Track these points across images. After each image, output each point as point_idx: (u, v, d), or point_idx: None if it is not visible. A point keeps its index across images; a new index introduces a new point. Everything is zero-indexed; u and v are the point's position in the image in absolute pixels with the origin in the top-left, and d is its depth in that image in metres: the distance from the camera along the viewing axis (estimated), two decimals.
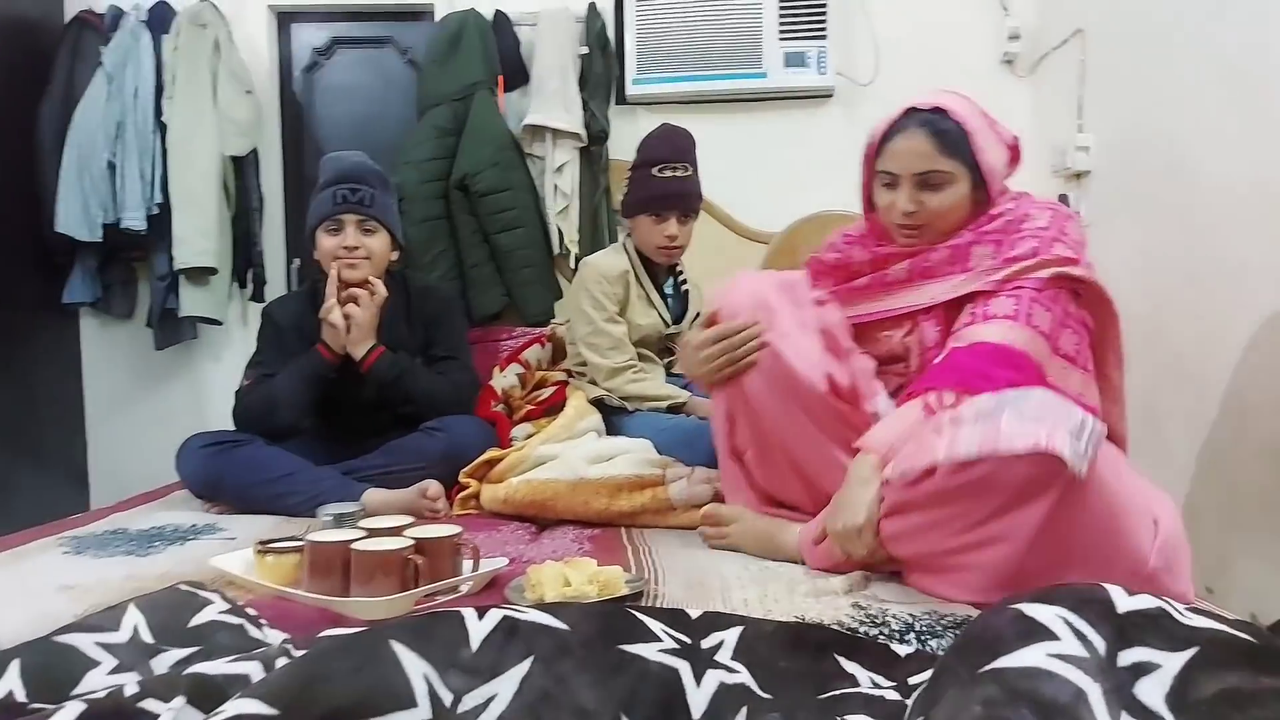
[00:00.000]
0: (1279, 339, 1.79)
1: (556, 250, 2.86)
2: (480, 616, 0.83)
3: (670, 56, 2.87)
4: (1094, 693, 0.63)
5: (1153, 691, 0.66)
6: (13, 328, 2.73)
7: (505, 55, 2.87)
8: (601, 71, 2.87)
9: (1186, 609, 0.73)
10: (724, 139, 2.81)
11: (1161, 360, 2.15)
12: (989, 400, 1.18)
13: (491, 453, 1.92)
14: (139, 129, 2.73)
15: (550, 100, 2.78)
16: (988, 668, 0.67)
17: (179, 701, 0.74)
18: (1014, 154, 1.52)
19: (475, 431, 1.99)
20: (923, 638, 1.05)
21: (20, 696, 0.83)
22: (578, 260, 2.68)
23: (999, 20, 2.90)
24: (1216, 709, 0.65)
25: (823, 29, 2.83)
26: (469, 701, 0.76)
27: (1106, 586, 0.74)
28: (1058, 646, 0.67)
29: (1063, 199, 2.64)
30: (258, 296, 2.94)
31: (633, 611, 0.89)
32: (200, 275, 2.77)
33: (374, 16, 3.11)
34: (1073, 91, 2.62)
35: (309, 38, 3.12)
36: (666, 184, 2.17)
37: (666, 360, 2.34)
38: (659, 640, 0.85)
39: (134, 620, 0.95)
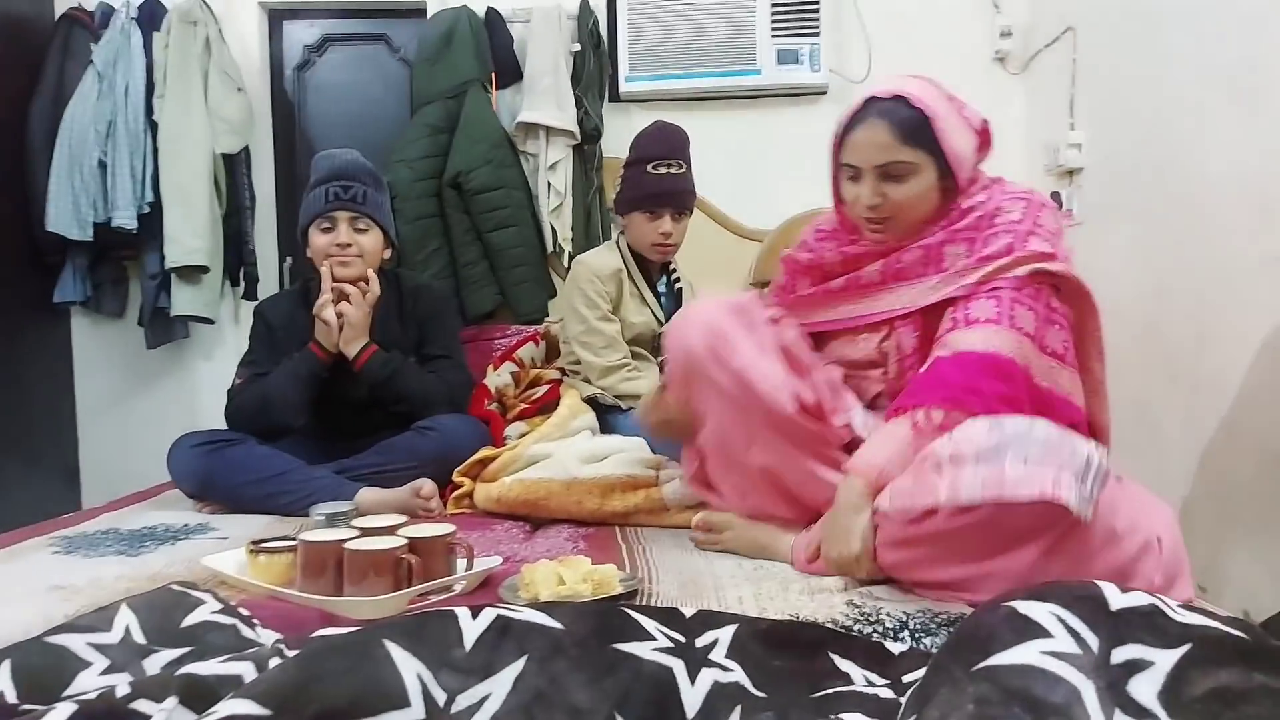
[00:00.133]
0: (1273, 337, 1.79)
1: (550, 248, 2.85)
2: (474, 616, 0.83)
3: (663, 54, 2.87)
4: (1088, 690, 0.63)
5: (1146, 689, 0.66)
6: (3, 327, 2.72)
7: (498, 52, 2.86)
8: (594, 69, 2.86)
9: (1179, 606, 0.73)
10: (717, 136, 2.81)
11: (1155, 358, 2.16)
12: (988, 433, 1.13)
13: (485, 451, 1.91)
14: (130, 127, 2.72)
15: (543, 98, 2.78)
16: (981, 665, 0.67)
17: (171, 702, 0.74)
18: (984, 138, 1.46)
19: (469, 430, 1.99)
20: (916, 635, 1.05)
21: (11, 697, 0.82)
22: (571, 258, 2.67)
23: (991, 17, 2.91)
24: (1209, 706, 0.65)
25: (815, 26, 2.83)
26: (463, 701, 0.76)
27: (1100, 584, 0.74)
28: (1051, 644, 0.67)
29: (1055, 196, 2.64)
30: (250, 295, 2.93)
31: (627, 610, 0.89)
32: (192, 274, 2.76)
33: (366, 14, 3.10)
34: (1065, 89, 2.62)
35: (300, 35, 3.11)
36: (660, 181, 2.17)
37: (660, 358, 2.34)
38: (653, 639, 0.85)
39: (126, 620, 0.95)
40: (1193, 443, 2.02)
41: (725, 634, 0.90)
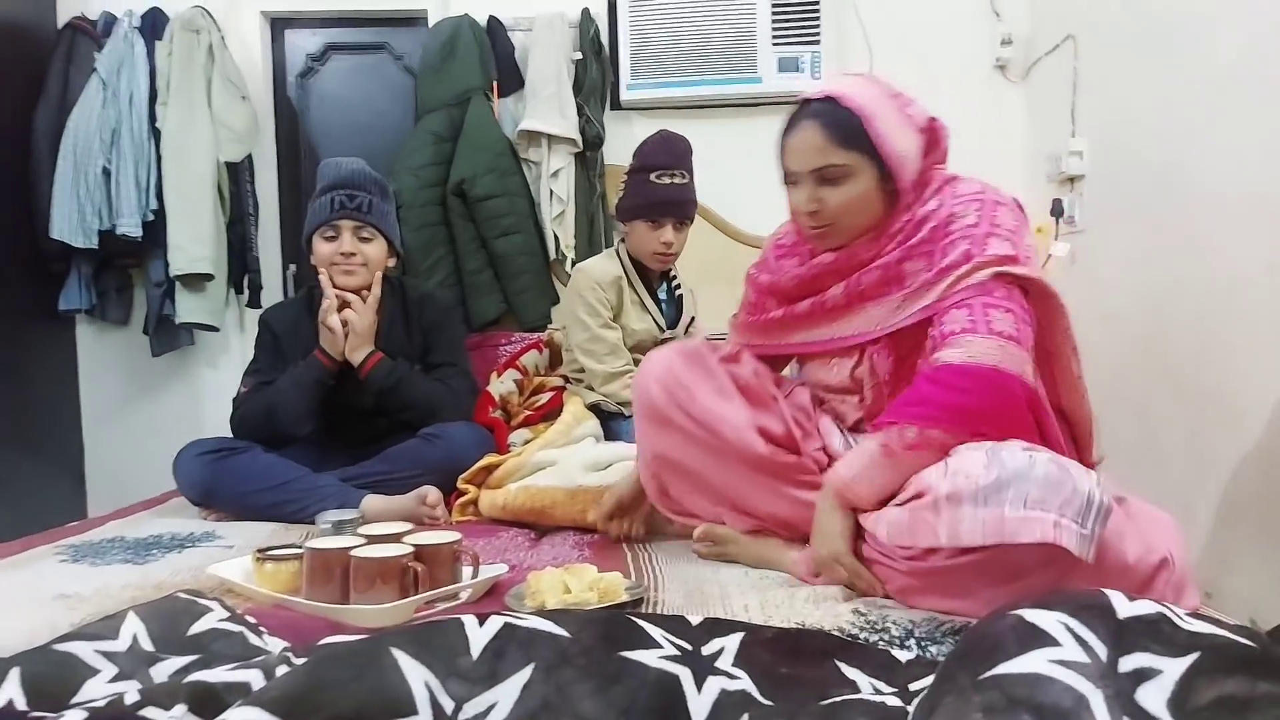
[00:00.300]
0: (1275, 344, 1.79)
1: (553, 255, 2.86)
2: (481, 624, 0.83)
3: (664, 62, 2.88)
4: (1095, 699, 0.63)
5: (1154, 697, 0.66)
6: (9, 335, 2.72)
7: (500, 61, 2.87)
8: (596, 77, 2.87)
9: (1187, 614, 0.73)
10: (718, 144, 2.81)
11: (1158, 366, 2.16)
12: (985, 469, 1.10)
13: (489, 459, 1.91)
14: (134, 135, 2.73)
15: (545, 106, 2.79)
16: (988, 674, 0.67)
17: (180, 709, 0.74)
18: (931, 136, 1.38)
19: (473, 438, 1.99)
20: (923, 644, 1.05)
21: (20, 705, 0.82)
22: (574, 265, 2.68)
23: (991, 25, 2.91)
24: (1217, 715, 0.65)
25: (816, 34, 2.84)
26: (470, 709, 0.76)
27: (1107, 592, 0.74)
28: (1059, 653, 0.67)
29: (1057, 204, 2.65)
30: (254, 303, 2.94)
31: (633, 618, 0.89)
32: (196, 282, 2.77)
33: (367, 22, 3.11)
34: (1066, 97, 2.63)
35: (303, 43, 3.12)
36: (664, 190, 2.18)
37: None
38: (659, 647, 0.85)
39: (133, 628, 0.95)
40: (1196, 450, 2.02)
41: (732, 642, 0.90)
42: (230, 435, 2.00)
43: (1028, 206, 1.46)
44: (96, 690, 0.85)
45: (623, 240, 2.34)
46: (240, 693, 0.76)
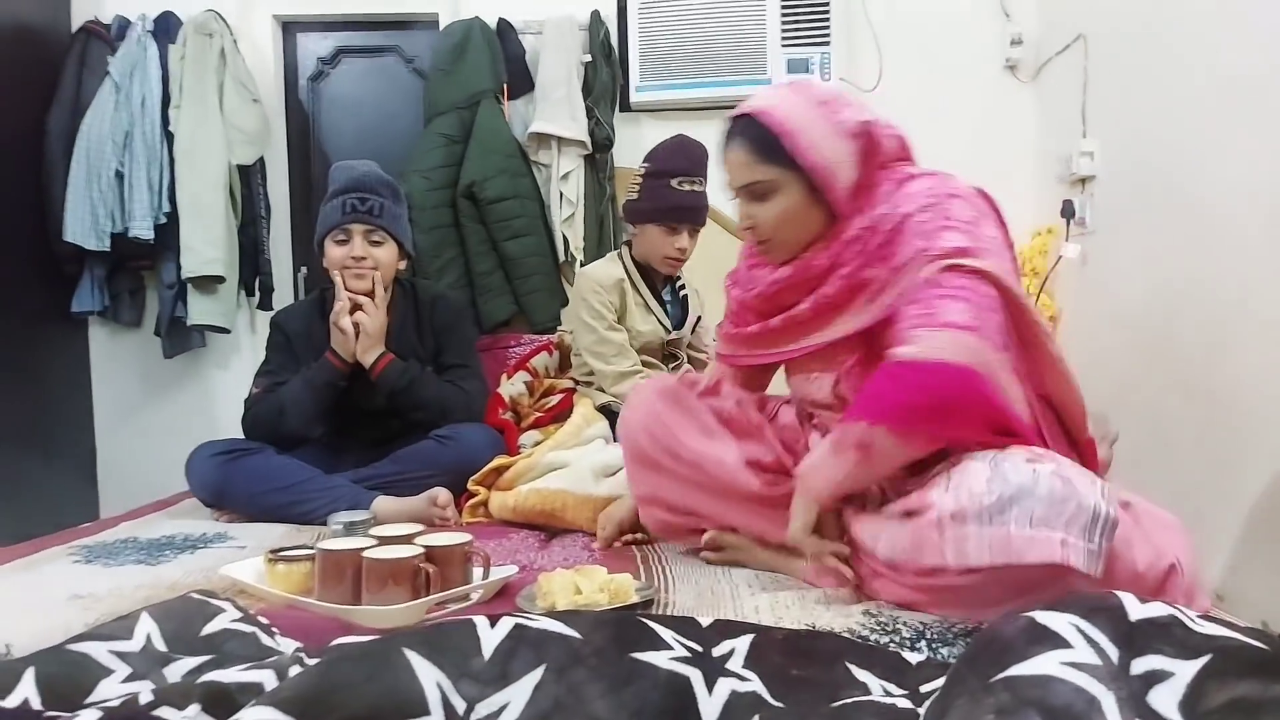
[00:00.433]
0: None
1: (563, 258, 2.87)
2: (492, 625, 0.83)
3: (674, 64, 2.88)
4: (1107, 700, 0.63)
5: (1166, 700, 0.66)
6: (22, 336, 2.74)
7: (510, 63, 2.88)
8: (606, 79, 2.88)
9: (1198, 617, 0.73)
10: None
11: (1168, 368, 2.15)
12: (988, 486, 1.09)
13: (500, 460, 1.92)
14: (146, 138, 2.75)
15: (555, 108, 2.79)
16: (1000, 676, 0.67)
17: (194, 709, 0.75)
18: (868, 140, 1.33)
19: (485, 439, 1.99)
20: (934, 645, 1.04)
21: (35, 704, 0.83)
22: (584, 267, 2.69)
23: (1001, 25, 2.91)
24: (1228, 718, 0.65)
25: (826, 35, 2.84)
26: (482, 710, 0.76)
27: (1118, 594, 0.74)
28: (1071, 654, 0.67)
29: (1067, 205, 2.64)
30: (265, 305, 2.95)
31: (644, 619, 0.89)
32: (208, 284, 2.78)
33: (378, 26, 3.12)
34: (1076, 97, 2.62)
35: (314, 47, 3.14)
36: (684, 197, 2.18)
37: (671, 365, 2.35)
38: (670, 648, 0.85)
39: (147, 629, 0.95)
40: (1207, 452, 2.01)
41: (742, 643, 0.90)
42: (242, 436, 2.01)
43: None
44: (110, 690, 0.86)
45: (627, 243, 2.34)
46: (253, 693, 0.76)
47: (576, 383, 2.36)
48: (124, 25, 2.87)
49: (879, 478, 1.28)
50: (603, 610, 1.13)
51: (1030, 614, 0.72)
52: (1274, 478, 1.80)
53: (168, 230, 2.76)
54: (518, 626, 0.83)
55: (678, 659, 0.84)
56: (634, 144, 2.85)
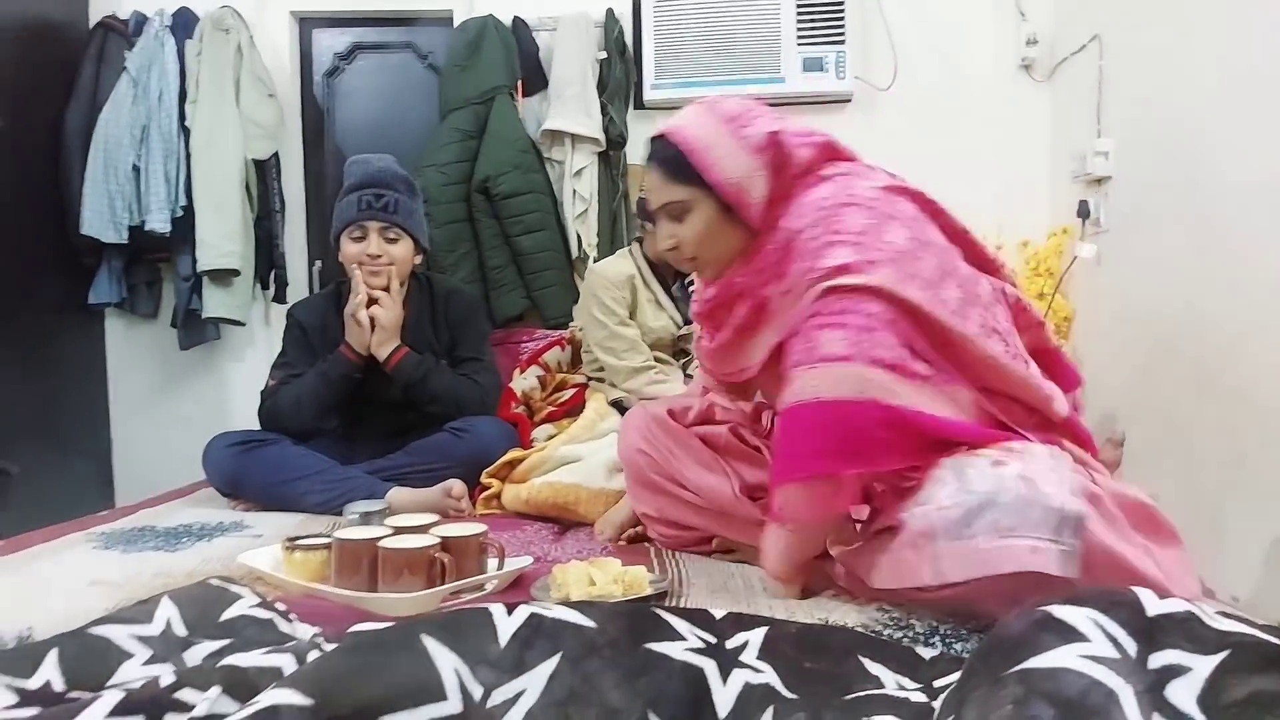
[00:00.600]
0: None
1: (575, 254, 2.87)
2: (509, 613, 0.83)
3: (688, 62, 2.88)
4: (1125, 694, 0.63)
5: (1184, 694, 0.66)
6: (39, 328, 2.77)
7: (524, 60, 2.89)
8: (620, 76, 2.88)
9: (1216, 613, 0.73)
10: None
11: (1185, 367, 2.14)
12: (953, 499, 1.08)
13: (513, 453, 1.93)
14: (163, 132, 2.77)
15: (569, 105, 2.80)
16: (1017, 668, 0.67)
17: (214, 691, 0.75)
18: (777, 152, 1.28)
19: (499, 433, 2.01)
20: (948, 641, 1.04)
21: (58, 685, 0.84)
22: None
23: (1016, 25, 2.90)
24: (1246, 712, 0.64)
25: (841, 34, 2.84)
26: (498, 696, 0.77)
27: (1136, 590, 0.74)
28: (1088, 648, 0.67)
29: (1083, 205, 2.63)
30: (280, 298, 2.97)
31: (658, 611, 0.89)
32: (223, 277, 2.80)
33: (394, 22, 3.13)
34: (1091, 97, 2.61)
35: (330, 42, 3.15)
36: None
37: (682, 361, 2.35)
38: (685, 639, 0.85)
39: (167, 613, 0.96)
40: (1224, 450, 2.00)
41: (756, 636, 0.90)
42: (258, 428, 2.02)
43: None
44: (132, 673, 0.87)
45: (639, 239, 2.34)
46: (272, 677, 0.77)
47: (588, 378, 2.36)
48: (141, 21, 2.89)
49: (826, 534, 1.25)
50: (617, 601, 1.14)
51: (1047, 608, 0.72)
52: None
53: (184, 223, 2.77)
54: (534, 615, 0.83)
55: (692, 650, 0.84)
56: (647, 141, 2.85)
